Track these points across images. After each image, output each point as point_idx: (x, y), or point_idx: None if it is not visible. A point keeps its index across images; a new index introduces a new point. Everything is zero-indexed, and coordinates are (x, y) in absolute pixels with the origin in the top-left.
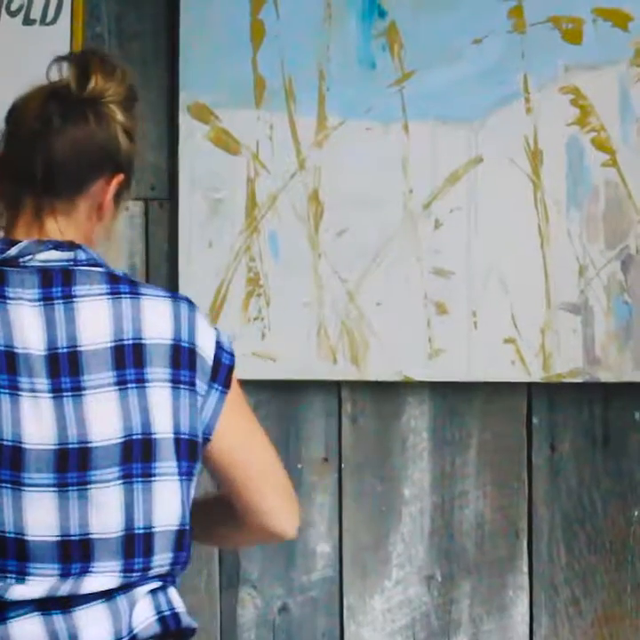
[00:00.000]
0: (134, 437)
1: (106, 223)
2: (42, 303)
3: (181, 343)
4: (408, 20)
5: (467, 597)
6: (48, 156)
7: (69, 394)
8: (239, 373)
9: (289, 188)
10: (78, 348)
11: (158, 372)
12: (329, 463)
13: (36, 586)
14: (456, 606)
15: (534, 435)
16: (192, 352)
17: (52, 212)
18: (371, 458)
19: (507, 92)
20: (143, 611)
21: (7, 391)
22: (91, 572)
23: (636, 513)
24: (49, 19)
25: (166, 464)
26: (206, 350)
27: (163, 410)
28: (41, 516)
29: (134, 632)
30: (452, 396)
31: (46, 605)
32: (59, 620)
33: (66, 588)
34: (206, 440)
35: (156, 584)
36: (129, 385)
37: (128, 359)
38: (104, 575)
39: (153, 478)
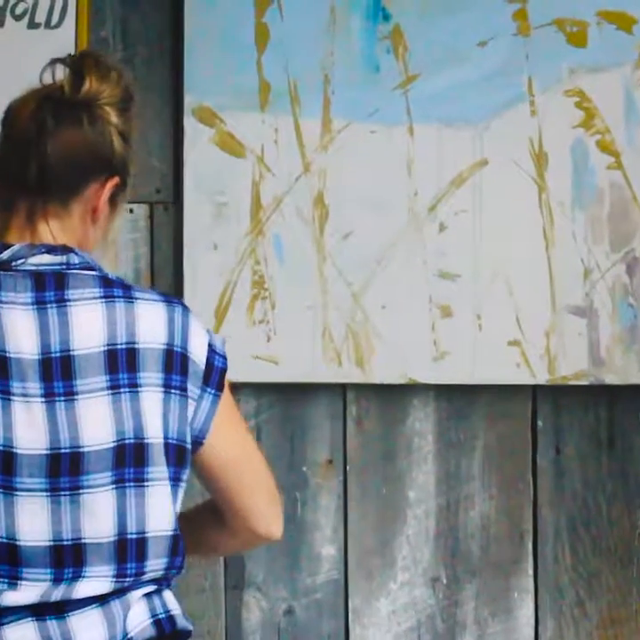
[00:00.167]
0: (127, 442)
1: (101, 226)
2: (35, 307)
3: (174, 348)
4: (413, 23)
5: (472, 599)
6: (41, 158)
7: (62, 398)
8: (245, 376)
9: (294, 190)
10: (71, 353)
11: (151, 376)
12: (334, 466)
13: (29, 591)
14: (461, 608)
15: (539, 437)
16: (184, 357)
17: (45, 215)
18: (376, 460)
19: (511, 95)
20: (138, 614)
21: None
22: (83, 577)
23: None
24: (54, 22)
25: (159, 469)
26: (199, 354)
27: (154, 415)
28: (33, 520)
29: (129, 636)
30: (457, 399)
31: (40, 611)
32: (53, 625)
33: (58, 594)
34: (199, 444)
35: (150, 588)
36: (122, 389)
37: (121, 363)
38: (97, 580)
39: (146, 483)
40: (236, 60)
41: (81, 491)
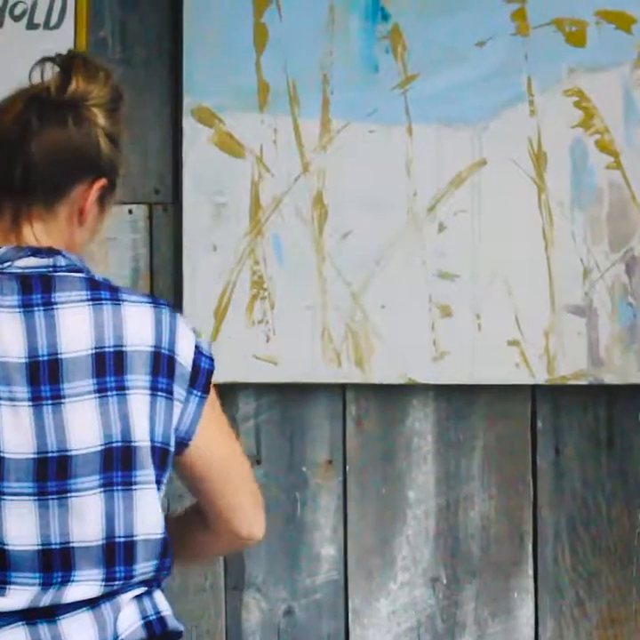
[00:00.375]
0: (114, 445)
1: (89, 227)
2: (21, 310)
3: (162, 350)
4: (411, 22)
5: (472, 600)
6: (25, 159)
7: (49, 402)
8: (244, 376)
9: (293, 191)
10: (58, 356)
11: (138, 379)
12: (333, 466)
13: (18, 596)
14: (461, 609)
15: (539, 437)
16: (171, 359)
17: (30, 217)
18: (375, 460)
19: (510, 95)
20: (128, 616)
21: None
22: (73, 580)
23: None
24: (53, 23)
25: (146, 472)
26: (185, 357)
27: (142, 417)
28: (21, 525)
29: (120, 638)
30: (456, 399)
31: (30, 615)
32: (43, 628)
33: (48, 599)
34: (185, 445)
35: (140, 590)
36: (109, 392)
37: (108, 366)
38: (86, 584)
39: (134, 486)
40: (234, 60)
41: (69, 494)
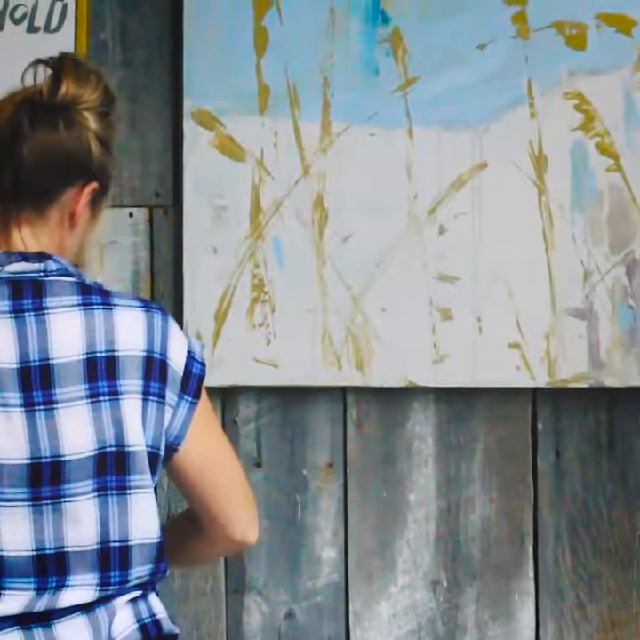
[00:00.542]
0: (108, 450)
1: (80, 231)
2: (13, 315)
3: (154, 355)
4: (412, 25)
5: (472, 602)
6: (16, 163)
7: (42, 407)
8: (245, 380)
9: (293, 194)
10: (50, 361)
11: (131, 383)
12: (334, 469)
13: (13, 601)
14: (462, 611)
15: (539, 440)
16: (163, 363)
17: (21, 221)
18: (376, 463)
19: (511, 98)
20: (123, 620)
21: None
22: (67, 585)
23: None
24: (53, 26)
25: (142, 477)
26: (177, 361)
27: (135, 422)
28: (15, 530)
29: None
30: (456, 402)
31: (25, 619)
32: (39, 633)
33: (42, 604)
34: (174, 450)
35: (135, 593)
36: (102, 397)
37: (100, 372)
38: (81, 589)
39: (128, 491)
40: (235, 63)
41: (62, 499)
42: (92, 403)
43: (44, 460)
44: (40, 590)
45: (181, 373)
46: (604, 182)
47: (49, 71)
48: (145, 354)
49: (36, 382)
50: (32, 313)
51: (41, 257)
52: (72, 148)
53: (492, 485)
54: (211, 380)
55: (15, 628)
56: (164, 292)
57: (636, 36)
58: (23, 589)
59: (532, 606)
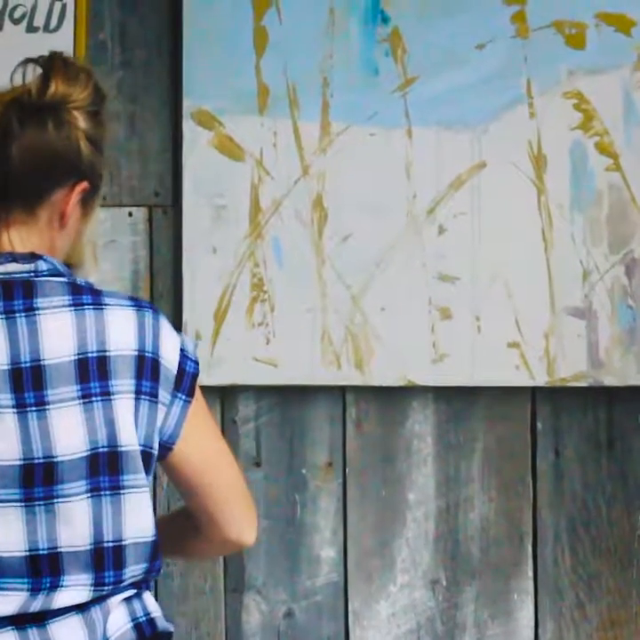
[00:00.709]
0: (100, 450)
1: (71, 231)
2: (3, 317)
3: (145, 353)
4: (411, 25)
5: (471, 602)
6: (5, 163)
7: (34, 408)
8: (244, 379)
9: (293, 193)
10: (41, 362)
11: (123, 383)
12: (333, 468)
13: (7, 603)
14: (461, 611)
15: (539, 439)
16: (156, 362)
17: (10, 222)
18: (375, 463)
19: (510, 97)
20: (118, 619)
21: None
22: (61, 586)
23: None
24: (52, 26)
25: (135, 476)
26: (170, 359)
27: (129, 422)
28: (8, 531)
29: None
30: (456, 401)
31: (20, 620)
32: (33, 633)
33: (37, 605)
34: (169, 449)
35: (130, 592)
36: (94, 398)
37: (92, 372)
38: (75, 589)
39: (122, 491)
40: (234, 63)
41: (56, 500)
42: (83, 403)
43: (36, 461)
44: (34, 591)
45: (175, 372)
46: (603, 182)
47: (36, 71)
48: (136, 353)
49: (28, 383)
50: (23, 314)
51: (31, 257)
52: (61, 148)
53: (492, 484)
54: (210, 380)
55: (10, 628)
56: (164, 292)
57: (635, 35)
58: (17, 590)
59: (531, 605)
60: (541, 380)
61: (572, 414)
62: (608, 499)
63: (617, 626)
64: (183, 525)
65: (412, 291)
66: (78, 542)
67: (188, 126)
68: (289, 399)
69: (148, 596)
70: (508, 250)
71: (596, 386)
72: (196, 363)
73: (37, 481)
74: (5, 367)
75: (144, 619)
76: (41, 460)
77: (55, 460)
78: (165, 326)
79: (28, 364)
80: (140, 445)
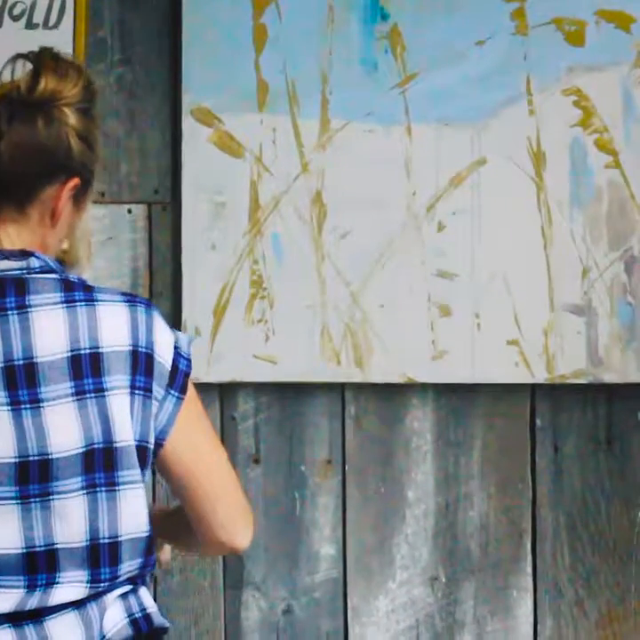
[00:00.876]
0: (95, 447)
1: (63, 227)
2: None
3: (139, 348)
4: (410, 22)
5: (471, 598)
6: None
7: (28, 406)
8: (243, 376)
9: (292, 190)
10: (34, 360)
11: (117, 379)
12: (333, 465)
13: (3, 600)
14: (460, 607)
15: (538, 436)
16: (149, 357)
17: (2, 219)
18: (374, 460)
19: (510, 94)
20: (114, 615)
21: None
22: (58, 582)
23: None
24: (51, 23)
25: (130, 472)
26: (164, 355)
27: (124, 418)
28: (4, 528)
29: (107, 637)
30: (455, 398)
31: (17, 617)
32: (30, 630)
33: (34, 602)
34: (159, 445)
35: (126, 588)
36: (87, 395)
37: (85, 369)
38: (71, 586)
39: (117, 487)
40: (234, 60)
41: (51, 497)
42: (78, 400)
43: (31, 459)
44: (30, 588)
45: (169, 367)
46: (602, 179)
47: (26, 68)
48: (130, 348)
49: (22, 381)
50: (15, 311)
51: (23, 255)
52: (51, 145)
53: (491, 481)
54: (209, 377)
55: (6, 626)
56: (163, 289)
57: (634, 32)
58: (13, 587)
59: (530, 602)
60: (541, 377)
61: (571, 411)
62: (607, 496)
63: (616, 622)
64: (180, 523)
65: (411, 287)
66: (74, 539)
67: (188, 123)
68: (288, 396)
69: (143, 592)
70: (507, 247)
71: (596, 383)
72: (189, 361)
73: (33, 478)
74: None
75: (140, 614)
76: (36, 458)
77: (50, 457)
78: (158, 321)
79: (21, 362)
80: (135, 440)
